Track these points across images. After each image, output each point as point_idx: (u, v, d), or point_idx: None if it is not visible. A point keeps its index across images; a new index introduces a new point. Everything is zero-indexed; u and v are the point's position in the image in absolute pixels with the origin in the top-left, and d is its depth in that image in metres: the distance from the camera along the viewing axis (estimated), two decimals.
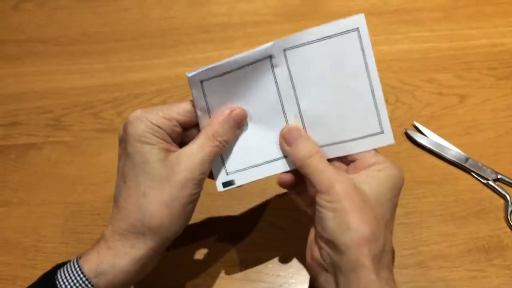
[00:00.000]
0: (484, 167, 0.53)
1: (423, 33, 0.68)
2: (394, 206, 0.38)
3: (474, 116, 0.59)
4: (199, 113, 0.39)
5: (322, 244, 0.37)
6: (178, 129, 0.38)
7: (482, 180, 0.53)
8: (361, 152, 0.39)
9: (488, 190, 0.53)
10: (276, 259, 0.49)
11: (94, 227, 0.52)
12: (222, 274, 0.48)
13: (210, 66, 0.38)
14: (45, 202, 0.54)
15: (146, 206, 0.35)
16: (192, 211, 0.38)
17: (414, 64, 0.64)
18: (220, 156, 0.40)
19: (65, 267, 0.36)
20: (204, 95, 0.39)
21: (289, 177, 0.41)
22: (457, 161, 0.54)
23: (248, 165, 0.41)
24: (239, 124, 0.39)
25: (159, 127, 0.37)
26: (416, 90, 0.62)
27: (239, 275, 0.48)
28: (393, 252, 0.38)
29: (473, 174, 0.54)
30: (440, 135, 0.57)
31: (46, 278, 0.37)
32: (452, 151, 0.55)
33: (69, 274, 0.35)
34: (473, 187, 0.53)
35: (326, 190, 0.36)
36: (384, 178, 0.37)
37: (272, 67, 0.39)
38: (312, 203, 0.38)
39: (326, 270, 0.37)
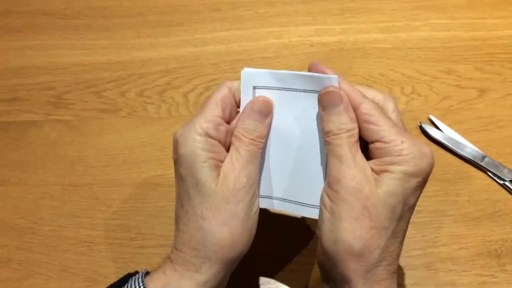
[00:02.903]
0: (501, 167, 0.51)
1: (444, 21, 0.65)
2: (411, 208, 0.34)
3: (493, 112, 0.56)
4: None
5: (320, 249, 0.34)
6: (223, 127, 0.36)
7: (498, 180, 0.51)
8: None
9: (504, 191, 0.50)
10: (283, 255, 0.47)
11: (92, 211, 0.51)
12: None
13: (266, 71, 0.36)
14: (43, 183, 0.53)
15: (207, 228, 0.34)
16: (253, 226, 0.35)
17: (433, 54, 0.61)
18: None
19: (129, 283, 0.35)
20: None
21: None
22: (473, 159, 0.52)
23: (282, 197, 0.38)
24: (265, 113, 0.36)
25: (205, 134, 0.34)
26: (434, 81, 0.59)
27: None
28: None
29: (489, 173, 0.51)
30: (456, 130, 0.54)
31: None
32: (468, 148, 0.52)
33: None
34: (488, 187, 0.51)
35: (330, 184, 0.33)
36: (402, 179, 0.32)
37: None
38: None
39: (326, 281, 0.35)
